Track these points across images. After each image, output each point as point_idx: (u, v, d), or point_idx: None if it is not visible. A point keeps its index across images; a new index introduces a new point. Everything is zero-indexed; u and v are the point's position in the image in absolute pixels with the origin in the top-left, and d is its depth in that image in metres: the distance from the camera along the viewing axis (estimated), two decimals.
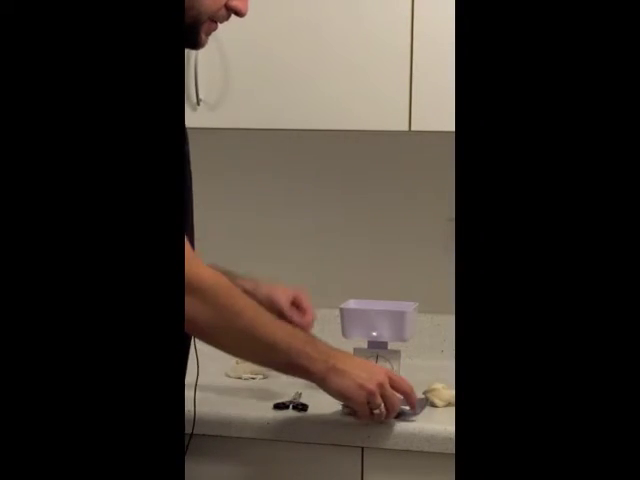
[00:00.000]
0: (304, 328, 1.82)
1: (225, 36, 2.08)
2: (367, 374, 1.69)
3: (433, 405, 1.88)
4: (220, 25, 1.68)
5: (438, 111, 1.98)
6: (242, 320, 1.63)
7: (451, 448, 1.71)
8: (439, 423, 1.78)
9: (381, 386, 1.69)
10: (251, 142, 2.38)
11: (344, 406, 1.79)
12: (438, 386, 1.89)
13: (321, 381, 1.67)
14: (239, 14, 1.67)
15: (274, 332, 1.65)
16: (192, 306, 1.56)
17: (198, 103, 2.10)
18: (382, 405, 1.71)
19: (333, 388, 1.68)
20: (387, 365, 1.91)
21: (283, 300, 1.89)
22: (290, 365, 1.67)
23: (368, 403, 1.70)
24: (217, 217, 2.41)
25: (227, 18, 1.68)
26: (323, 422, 1.81)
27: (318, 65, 2.07)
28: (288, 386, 2.03)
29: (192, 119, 2.06)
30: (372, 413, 1.72)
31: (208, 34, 1.68)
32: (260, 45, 2.09)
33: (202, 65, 2.09)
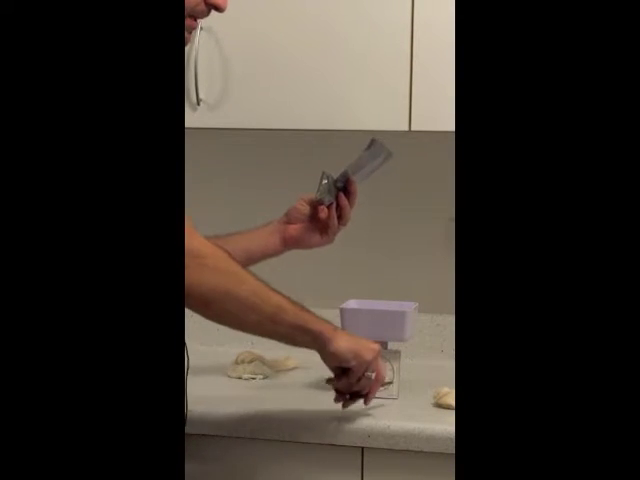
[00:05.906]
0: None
1: (225, 36, 2.08)
2: (366, 341, 1.71)
3: (450, 407, 1.86)
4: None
5: (438, 111, 1.98)
6: (247, 284, 1.62)
7: (451, 448, 1.71)
8: (439, 423, 1.78)
9: (377, 357, 1.72)
10: (251, 142, 2.38)
11: (329, 379, 1.77)
12: (447, 389, 1.87)
13: (328, 340, 1.66)
14: (218, 9, 1.65)
15: (278, 295, 1.65)
16: (196, 273, 1.55)
17: (198, 103, 2.10)
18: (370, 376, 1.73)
19: (342, 347, 1.67)
20: (387, 365, 1.91)
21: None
22: (297, 327, 1.65)
23: (364, 370, 1.71)
24: (217, 217, 2.40)
25: (207, 14, 1.66)
26: (323, 422, 1.81)
27: (318, 65, 2.07)
28: (289, 386, 2.03)
29: (192, 119, 2.07)
30: (356, 393, 1.74)
31: (189, 31, 1.66)
32: (260, 45, 2.09)
33: (202, 65, 2.08)
